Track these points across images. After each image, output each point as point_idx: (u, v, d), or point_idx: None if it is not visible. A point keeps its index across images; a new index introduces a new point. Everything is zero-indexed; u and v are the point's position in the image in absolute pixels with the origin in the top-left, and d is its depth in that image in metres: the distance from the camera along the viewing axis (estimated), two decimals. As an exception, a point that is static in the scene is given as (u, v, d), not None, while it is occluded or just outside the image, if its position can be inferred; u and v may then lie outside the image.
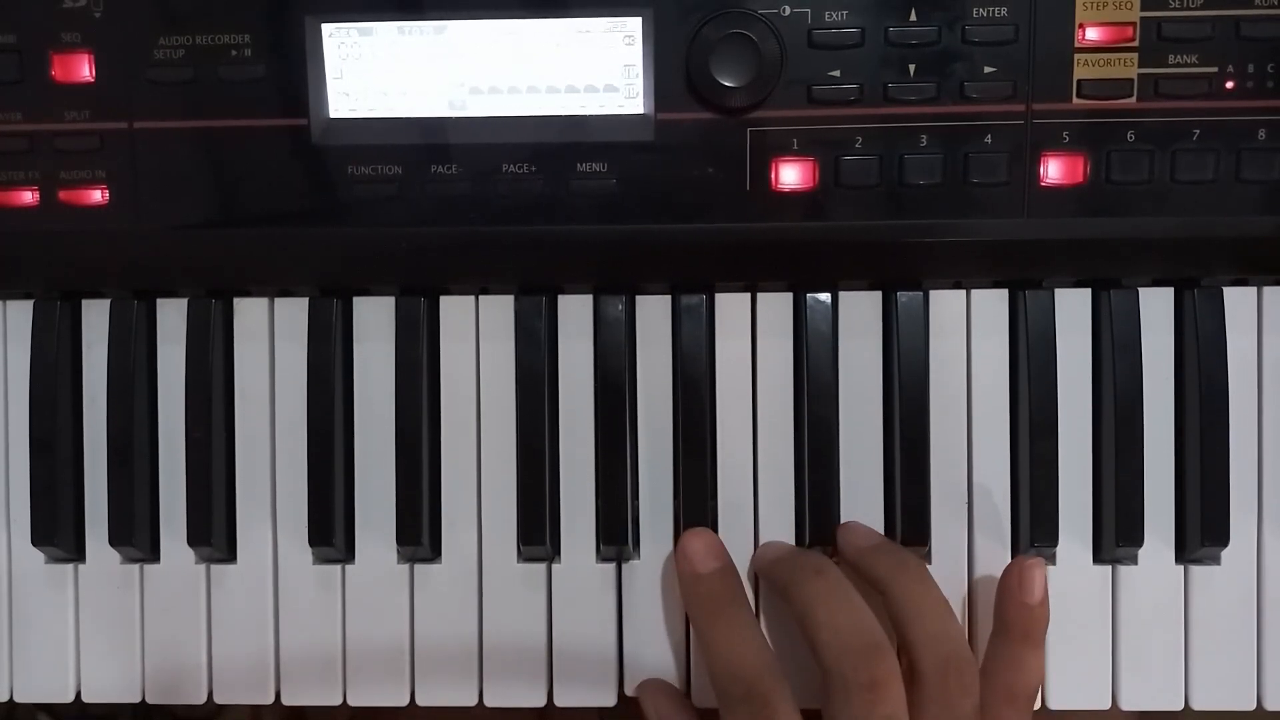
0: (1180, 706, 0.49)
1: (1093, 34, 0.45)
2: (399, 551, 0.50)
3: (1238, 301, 0.49)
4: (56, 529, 0.50)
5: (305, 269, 0.49)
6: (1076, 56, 0.45)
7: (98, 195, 0.47)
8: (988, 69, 0.45)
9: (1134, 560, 0.49)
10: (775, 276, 0.49)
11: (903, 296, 0.49)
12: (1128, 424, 0.48)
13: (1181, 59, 0.45)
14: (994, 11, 0.45)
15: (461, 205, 0.46)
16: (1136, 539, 0.48)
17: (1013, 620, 0.45)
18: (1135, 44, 0.45)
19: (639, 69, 0.46)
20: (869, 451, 0.49)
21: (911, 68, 0.45)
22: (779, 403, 0.49)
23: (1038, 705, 0.48)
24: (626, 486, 0.49)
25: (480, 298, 0.50)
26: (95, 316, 0.51)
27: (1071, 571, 0.49)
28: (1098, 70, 0.45)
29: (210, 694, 0.50)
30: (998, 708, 0.44)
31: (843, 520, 0.49)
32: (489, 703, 0.50)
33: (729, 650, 0.45)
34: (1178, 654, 0.49)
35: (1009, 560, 0.49)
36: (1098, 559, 0.49)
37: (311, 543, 0.50)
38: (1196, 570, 0.49)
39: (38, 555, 0.51)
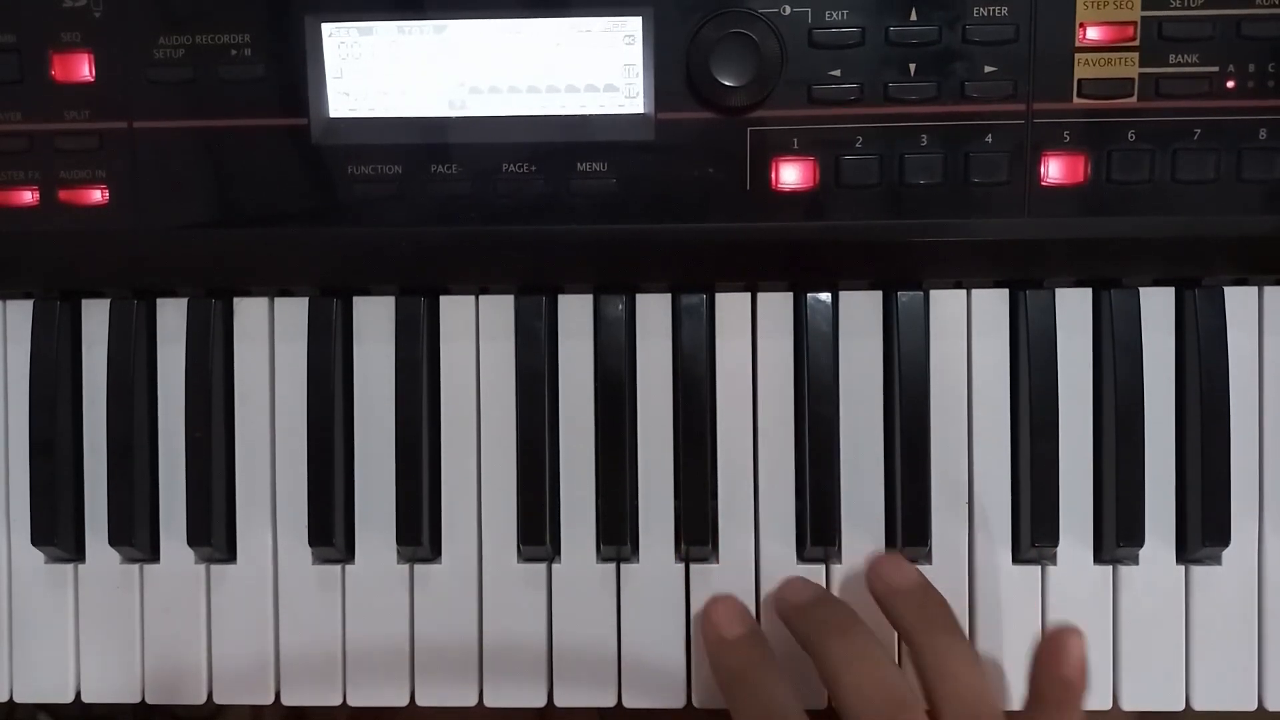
0: (1181, 706, 0.49)
1: (1093, 33, 0.45)
2: (399, 551, 0.50)
3: (1239, 301, 0.49)
4: (56, 529, 0.50)
5: (305, 269, 0.49)
6: (1077, 56, 0.45)
7: (98, 195, 0.47)
8: (988, 68, 0.45)
9: (1135, 560, 0.49)
10: (775, 276, 0.49)
11: (903, 296, 0.49)
12: (1128, 424, 0.48)
13: (1182, 58, 0.45)
14: (994, 11, 0.45)
15: (461, 205, 0.46)
16: (1137, 539, 0.48)
17: (1046, 693, 0.43)
18: (1136, 43, 0.45)
19: (639, 68, 0.46)
20: (869, 451, 0.49)
21: (912, 67, 0.45)
22: (779, 403, 0.49)
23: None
24: (626, 486, 0.49)
25: (480, 297, 0.50)
26: (95, 316, 0.51)
27: (1072, 571, 0.49)
28: (1098, 70, 0.45)
29: (210, 694, 0.50)
30: None
31: (844, 519, 0.49)
32: (489, 703, 0.50)
33: None
34: (1178, 654, 0.49)
35: (1009, 561, 0.49)
36: (1098, 559, 0.49)
37: (311, 543, 0.50)
38: (1197, 570, 0.49)
39: (38, 555, 0.51)
